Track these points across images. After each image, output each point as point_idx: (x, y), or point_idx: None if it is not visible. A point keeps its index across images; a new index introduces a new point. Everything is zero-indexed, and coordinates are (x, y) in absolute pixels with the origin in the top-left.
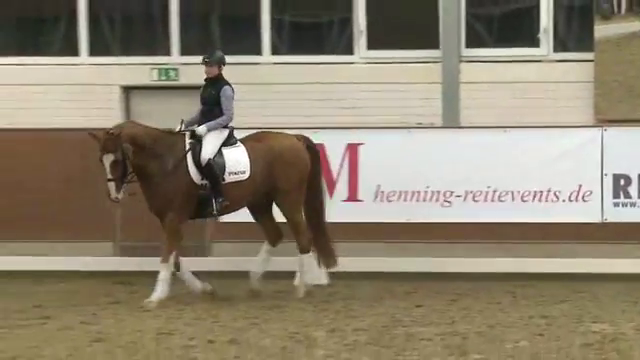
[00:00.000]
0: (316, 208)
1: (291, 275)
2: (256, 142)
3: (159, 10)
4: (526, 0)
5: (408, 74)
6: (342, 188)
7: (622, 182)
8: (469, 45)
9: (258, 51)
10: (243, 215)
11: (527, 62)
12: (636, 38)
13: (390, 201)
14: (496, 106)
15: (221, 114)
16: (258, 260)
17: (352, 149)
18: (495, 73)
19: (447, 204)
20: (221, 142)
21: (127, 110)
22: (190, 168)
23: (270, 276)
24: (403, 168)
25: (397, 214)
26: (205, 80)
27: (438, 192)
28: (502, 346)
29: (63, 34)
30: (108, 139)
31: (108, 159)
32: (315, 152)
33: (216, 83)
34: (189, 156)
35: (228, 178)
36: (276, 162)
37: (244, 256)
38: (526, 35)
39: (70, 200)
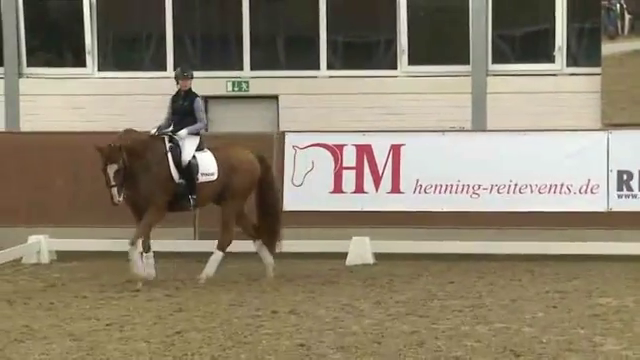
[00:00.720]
0: (272, 204)
1: (342, 255)
2: (217, 151)
3: (233, 31)
4: (543, 22)
5: (443, 86)
6: (387, 182)
7: (625, 177)
8: (495, 61)
9: (316, 66)
10: (302, 204)
11: (544, 75)
12: (637, 55)
13: (427, 193)
14: (517, 113)
15: (193, 122)
16: (263, 258)
17: (395, 149)
18: (517, 85)
19: (475, 195)
20: (196, 146)
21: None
22: (171, 167)
23: (325, 256)
24: (438, 165)
25: (433, 204)
26: (177, 92)
27: (468, 185)
28: (522, 316)
29: (153, 52)
30: (112, 151)
31: (112, 169)
32: (267, 164)
33: (187, 95)
34: (170, 157)
35: (201, 178)
36: (233, 170)
37: (302, 239)
38: (543, 52)
39: None
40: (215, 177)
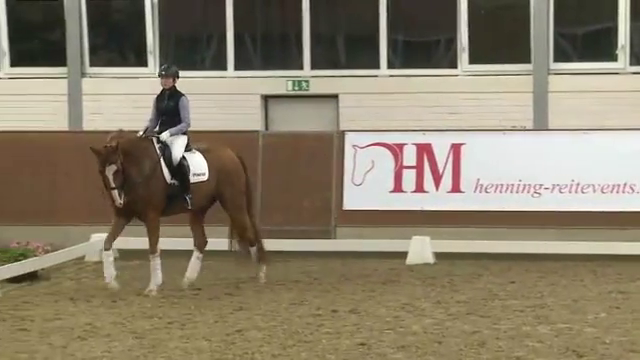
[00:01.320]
0: (253, 205)
1: (402, 255)
2: (207, 152)
3: (293, 30)
4: (606, 21)
5: (504, 84)
6: (447, 181)
7: None
8: (556, 60)
9: (376, 65)
10: (362, 204)
11: (606, 74)
12: None
13: (488, 192)
14: (579, 112)
15: (179, 122)
16: (190, 266)
17: (455, 148)
18: (578, 84)
19: (537, 195)
20: (184, 146)
21: (266, 116)
22: (163, 169)
23: (385, 256)
24: (499, 164)
25: (494, 203)
26: (161, 92)
27: (529, 185)
28: (584, 317)
29: (214, 51)
30: (110, 152)
31: (110, 170)
32: (244, 164)
33: (173, 95)
34: (161, 158)
35: (192, 179)
36: (225, 171)
37: (362, 239)
38: (605, 51)
39: None
40: (206, 177)
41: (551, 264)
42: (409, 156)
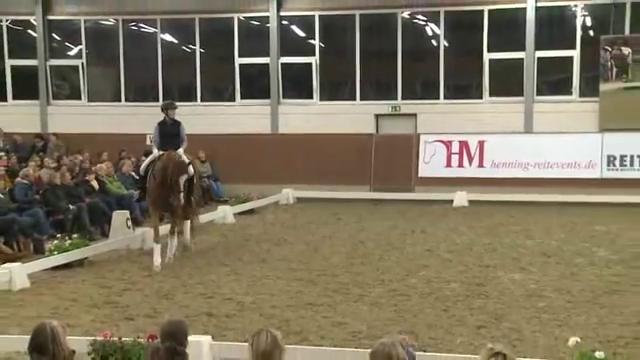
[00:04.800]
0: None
1: (450, 202)
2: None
3: (392, 79)
4: (565, 72)
5: (509, 107)
6: (475, 160)
7: None
8: (538, 94)
9: (437, 97)
10: (429, 173)
11: (565, 102)
12: None
13: (498, 167)
14: (550, 124)
15: (179, 142)
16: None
17: (480, 143)
18: (550, 107)
19: (526, 169)
20: None
21: (377, 126)
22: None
23: (440, 203)
24: (505, 152)
25: (502, 173)
26: (164, 120)
27: (521, 163)
28: (552, 236)
29: (349, 89)
30: (188, 164)
31: (183, 179)
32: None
33: (174, 122)
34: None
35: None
36: (195, 172)
37: (429, 192)
38: (566, 90)
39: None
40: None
41: (534, 208)
42: (455, 147)
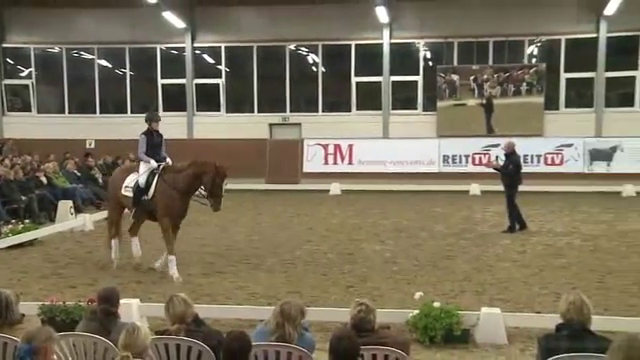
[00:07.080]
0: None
1: None
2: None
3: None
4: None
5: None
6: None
7: None
8: None
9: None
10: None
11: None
12: None
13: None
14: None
15: (162, 152)
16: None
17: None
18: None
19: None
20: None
21: (270, 134)
22: None
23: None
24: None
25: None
26: (149, 131)
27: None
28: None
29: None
30: (226, 169)
31: (225, 184)
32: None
33: (158, 134)
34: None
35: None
36: None
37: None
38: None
39: None
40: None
41: (390, 195)
42: (331, 149)
